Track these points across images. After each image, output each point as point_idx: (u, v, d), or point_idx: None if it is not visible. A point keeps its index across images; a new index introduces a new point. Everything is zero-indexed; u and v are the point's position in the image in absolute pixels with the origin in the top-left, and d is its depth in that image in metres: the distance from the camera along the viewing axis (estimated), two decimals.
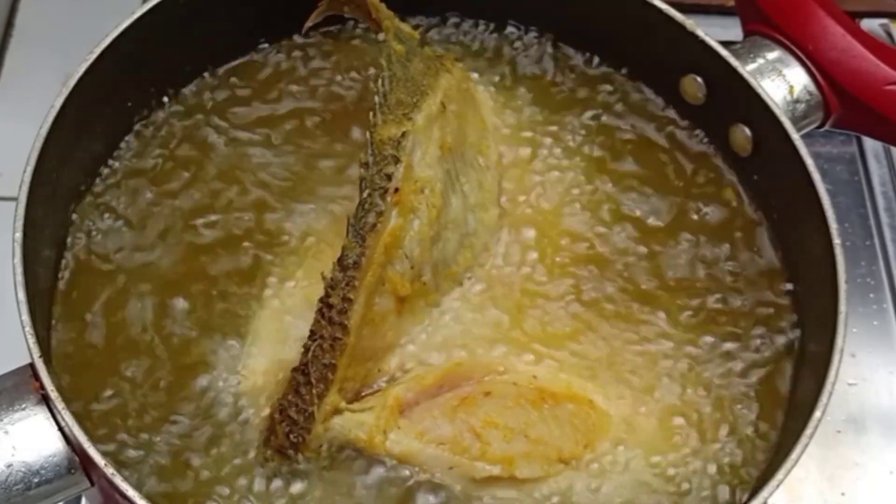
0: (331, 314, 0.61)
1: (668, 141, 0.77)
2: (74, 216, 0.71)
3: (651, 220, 0.73)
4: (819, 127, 0.78)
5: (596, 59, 0.80)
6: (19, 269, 0.61)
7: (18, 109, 0.98)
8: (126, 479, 0.57)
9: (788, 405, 0.67)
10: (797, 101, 0.75)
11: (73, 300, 0.68)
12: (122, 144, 0.74)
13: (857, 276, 0.97)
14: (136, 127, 0.75)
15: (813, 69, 0.75)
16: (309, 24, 0.75)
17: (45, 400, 0.60)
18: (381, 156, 0.64)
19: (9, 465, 0.59)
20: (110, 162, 0.73)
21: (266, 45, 0.79)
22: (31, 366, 0.60)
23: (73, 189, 0.71)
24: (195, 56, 0.77)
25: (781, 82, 0.75)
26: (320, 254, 0.69)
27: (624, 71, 0.80)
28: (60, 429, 0.60)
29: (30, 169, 0.64)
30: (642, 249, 0.72)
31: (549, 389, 0.65)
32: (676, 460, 0.65)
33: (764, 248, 0.73)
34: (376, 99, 0.66)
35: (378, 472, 0.62)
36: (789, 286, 0.71)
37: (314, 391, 0.61)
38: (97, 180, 0.73)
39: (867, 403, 0.92)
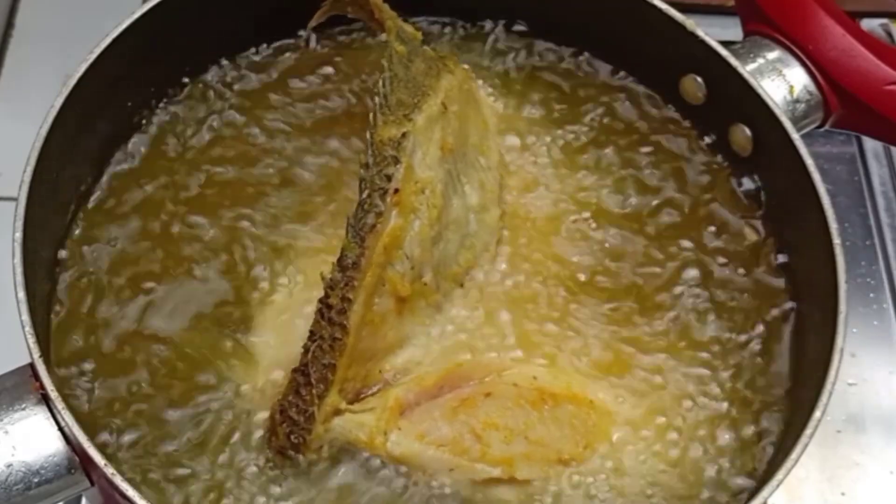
0: (330, 314, 0.61)
1: (667, 141, 0.77)
2: (74, 216, 0.71)
3: (650, 221, 0.73)
4: (819, 127, 0.78)
5: (595, 59, 0.80)
6: (19, 269, 0.61)
7: (18, 109, 0.98)
8: (128, 479, 0.57)
9: (788, 405, 0.67)
10: (797, 101, 0.75)
11: (74, 300, 0.68)
12: (123, 144, 0.74)
13: (857, 276, 0.97)
14: (136, 126, 0.75)
15: (813, 69, 0.76)
16: (312, 24, 0.75)
17: (45, 400, 0.60)
18: (382, 156, 0.64)
19: (9, 465, 0.59)
20: (110, 161, 0.73)
21: (268, 46, 0.79)
22: (31, 366, 0.60)
23: (74, 189, 0.71)
24: (195, 56, 0.77)
25: (781, 82, 0.75)
26: (321, 255, 0.69)
27: (624, 71, 0.80)
28: (60, 429, 0.60)
29: (30, 169, 0.64)
30: (642, 251, 0.72)
31: (549, 390, 0.65)
32: (676, 461, 0.65)
33: (763, 248, 0.73)
34: (377, 100, 0.66)
35: (379, 473, 0.62)
36: (789, 286, 0.71)
37: (314, 391, 0.61)
38: (97, 180, 0.73)
39: (867, 403, 0.92)
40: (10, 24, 1.07)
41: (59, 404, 0.59)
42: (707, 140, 0.77)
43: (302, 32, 0.79)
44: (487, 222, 0.70)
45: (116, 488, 0.56)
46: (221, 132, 0.75)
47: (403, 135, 0.65)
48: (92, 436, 0.59)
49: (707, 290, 0.71)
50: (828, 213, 0.67)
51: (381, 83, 0.66)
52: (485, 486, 0.62)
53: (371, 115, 0.65)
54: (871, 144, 1.05)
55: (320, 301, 0.62)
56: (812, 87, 0.76)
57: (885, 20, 1.10)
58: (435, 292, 0.67)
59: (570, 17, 0.79)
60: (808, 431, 0.60)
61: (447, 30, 0.81)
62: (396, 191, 0.63)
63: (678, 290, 0.71)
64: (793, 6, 0.77)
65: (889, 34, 1.09)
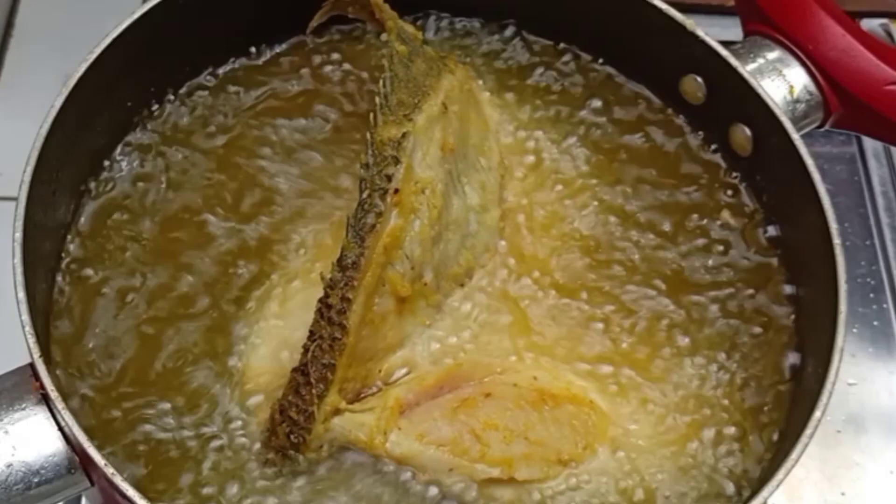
0: (330, 314, 0.61)
1: (668, 141, 0.77)
2: (74, 216, 0.71)
3: (651, 222, 0.73)
4: (819, 127, 0.78)
5: (595, 59, 0.80)
6: (19, 269, 0.61)
7: (18, 109, 0.98)
8: (127, 478, 0.57)
9: (788, 405, 0.67)
10: (797, 100, 0.75)
11: (73, 299, 0.68)
12: (122, 144, 0.74)
13: (857, 276, 0.97)
14: (136, 126, 0.75)
15: (813, 69, 0.76)
16: (313, 24, 0.75)
17: (45, 400, 0.60)
18: (382, 157, 0.64)
19: (9, 465, 0.59)
20: (110, 161, 0.73)
21: (268, 46, 0.79)
22: (31, 366, 0.60)
23: (74, 189, 0.71)
24: (195, 56, 0.77)
25: (781, 82, 0.75)
26: (321, 256, 0.69)
27: (624, 71, 0.80)
28: (60, 428, 0.60)
29: (30, 169, 0.64)
30: (642, 252, 0.72)
31: (549, 390, 0.65)
32: (674, 461, 0.65)
33: (763, 248, 0.73)
34: (377, 100, 0.66)
35: (378, 472, 0.62)
36: (789, 286, 0.71)
37: (314, 391, 0.61)
38: (97, 180, 0.73)
39: (867, 403, 0.92)
40: (10, 24, 1.07)
41: (59, 404, 0.59)
42: (707, 140, 0.77)
43: (302, 33, 0.79)
44: (488, 223, 0.70)
45: (116, 488, 0.56)
46: (221, 132, 0.75)
47: (404, 135, 0.65)
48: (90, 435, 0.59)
49: (706, 291, 0.71)
50: (828, 213, 0.67)
51: (381, 83, 0.66)
52: (484, 486, 0.62)
53: (371, 115, 0.65)
54: (871, 144, 1.05)
55: (320, 301, 0.62)
56: (812, 87, 0.76)
57: (885, 20, 1.10)
58: (435, 292, 0.67)
59: (570, 16, 0.79)
60: (808, 431, 0.60)
61: (443, 25, 0.81)
62: (396, 191, 0.63)
63: (678, 291, 0.71)
64: (793, 6, 0.77)
65: (889, 34, 1.09)
